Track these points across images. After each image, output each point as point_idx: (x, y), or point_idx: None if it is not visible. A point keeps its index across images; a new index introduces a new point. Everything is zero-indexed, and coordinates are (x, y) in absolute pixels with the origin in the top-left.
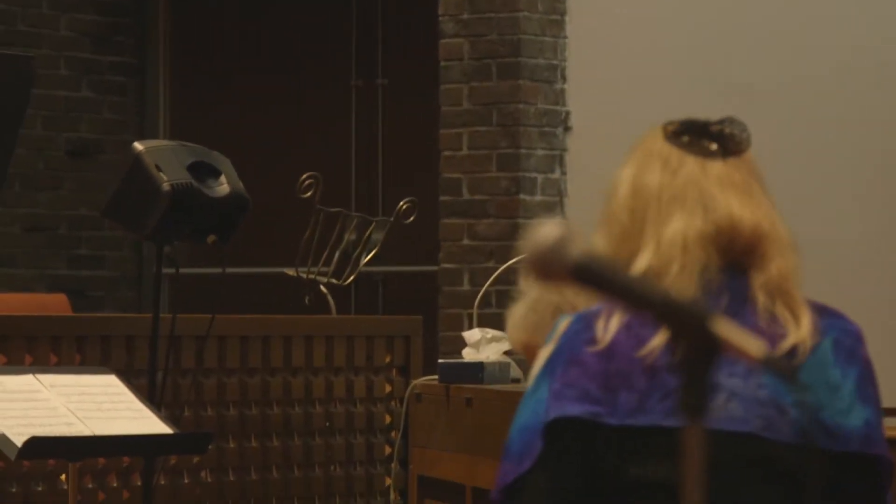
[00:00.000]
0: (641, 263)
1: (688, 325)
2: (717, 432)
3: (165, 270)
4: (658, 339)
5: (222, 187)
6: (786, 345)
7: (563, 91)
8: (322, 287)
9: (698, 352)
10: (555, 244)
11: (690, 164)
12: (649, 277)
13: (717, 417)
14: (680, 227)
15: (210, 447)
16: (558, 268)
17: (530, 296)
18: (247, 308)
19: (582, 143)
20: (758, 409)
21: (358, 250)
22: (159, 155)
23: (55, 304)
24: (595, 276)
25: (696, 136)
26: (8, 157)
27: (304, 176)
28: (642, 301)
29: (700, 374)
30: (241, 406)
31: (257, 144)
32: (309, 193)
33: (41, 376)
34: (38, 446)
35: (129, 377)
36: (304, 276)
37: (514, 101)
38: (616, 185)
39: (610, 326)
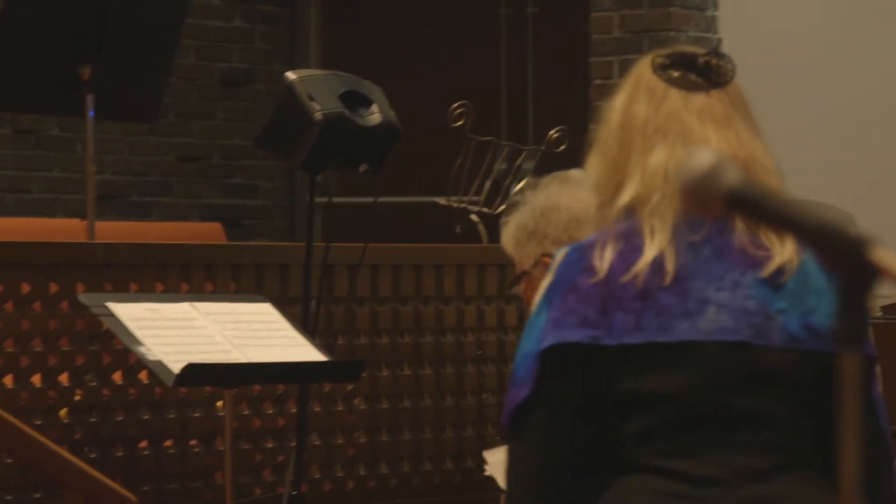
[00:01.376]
0: (628, 193)
1: (844, 252)
2: (710, 344)
3: (318, 199)
4: (642, 263)
5: (374, 116)
6: (772, 265)
7: (714, 18)
8: (473, 216)
9: (854, 278)
10: (709, 171)
11: (674, 97)
12: (634, 206)
13: (708, 330)
14: (662, 158)
15: (363, 375)
16: (713, 195)
17: (523, 208)
18: (398, 237)
19: None
20: (747, 318)
21: (508, 179)
22: (311, 84)
23: (210, 232)
24: (750, 203)
25: (682, 68)
26: (162, 87)
27: (455, 105)
28: (798, 228)
29: (857, 301)
30: (394, 334)
31: (408, 73)
32: (460, 122)
33: (197, 304)
34: (195, 373)
35: (283, 305)
36: (455, 205)
37: (665, 28)
38: (609, 113)
39: (605, 255)
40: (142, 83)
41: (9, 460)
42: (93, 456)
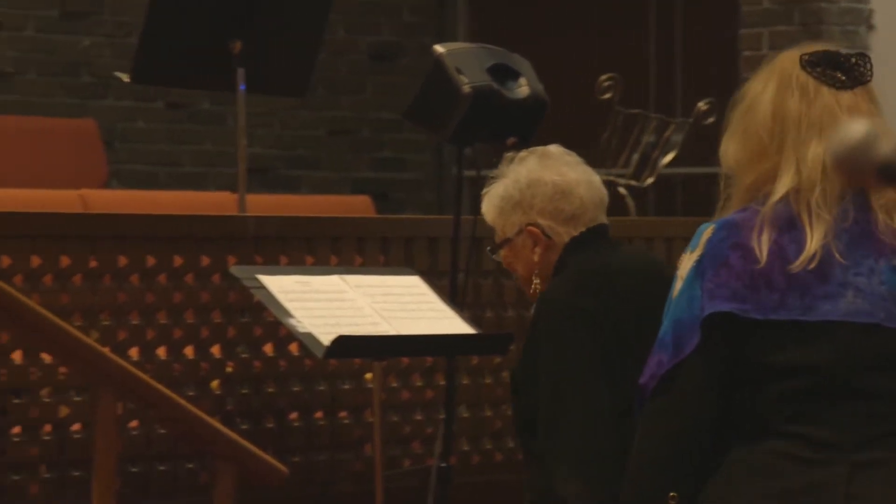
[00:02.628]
0: (784, 182)
1: None
2: (847, 324)
3: (466, 173)
4: (806, 253)
5: (522, 89)
6: None
7: None
8: (621, 189)
9: None
10: (864, 140)
11: (825, 94)
12: (789, 195)
13: (846, 311)
14: (819, 152)
15: (511, 348)
16: (865, 166)
17: (505, 180)
18: None
19: (885, 42)
20: (881, 302)
21: (657, 152)
22: (460, 57)
23: (359, 205)
24: None
25: (828, 66)
26: (312, 61)
27: (603, 77)
28: None
29: None
30: None
31: (556, 45)
32: (608, 95)
33: (347, 277)
34: (345, 345)
35: (432, 278)
36: (603, 177)
37: None
38: (754, 101)
39: (763, 239)
40: (292, 57)
41: (162, 431)
42: (244, 427)
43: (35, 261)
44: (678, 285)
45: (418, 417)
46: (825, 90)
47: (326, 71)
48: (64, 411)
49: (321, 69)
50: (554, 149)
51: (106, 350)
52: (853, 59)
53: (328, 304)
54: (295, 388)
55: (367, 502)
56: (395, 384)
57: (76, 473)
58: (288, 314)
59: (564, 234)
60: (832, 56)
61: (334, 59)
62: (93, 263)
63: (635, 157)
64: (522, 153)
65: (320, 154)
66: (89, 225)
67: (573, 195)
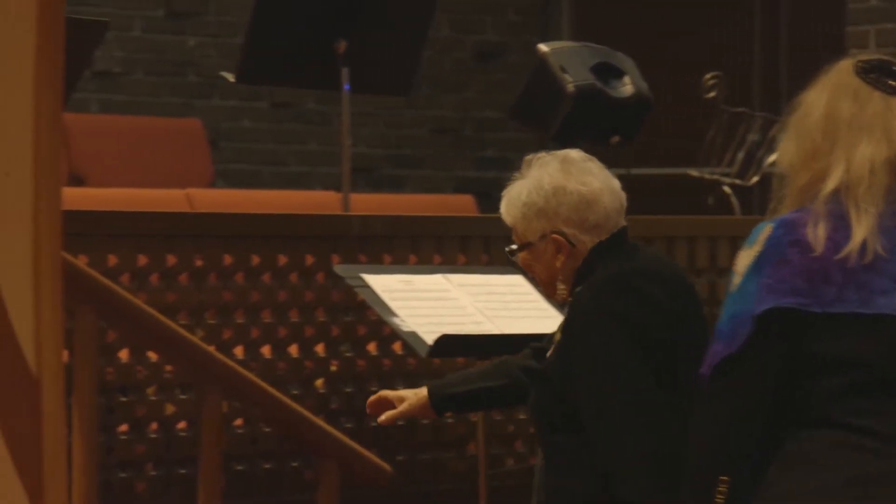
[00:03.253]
0: (834, 179)
1: None
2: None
3: None
4: (852, 244)
5: (626, 88)
6: None
7: None
8: (725, 188)
9: None
10: None
11: (877, 100)
12: (839, 191)
13: None
14: (868, 152)
15: None
16: None
17: (527, 184)
18: (650, 209)
19: None
20: None
21: (762, 150)
22: (564, 56)
23: (462, 204)
24: None
25: (882, 73)
26: (416, 60)
27: (708, 76)
28: None
29: None
30: None
31: (660, 44)
32: (712, 93)
33: (450, 276)
34: (449, 344)
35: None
36: (708, 176)
37: None
38: (809, 105)
39: (819, 233)
40: (396, 56)
41: (267, 429)
42: (348, 426)
43: (142, 260)
44: (736, 280)
45: (521, 417)
46: (877, 95)
47: (430, 70)
48: (170, 409)
49: (425, 68)
50: (575, 154)
51: (211, 349)
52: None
53: (432, 303)
54: (398, 387)
55: (469, 502)
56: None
57: (182, 471)
58: (392, 313)
59: (588, 241)
60: (886, 64)
61: (439, 57)
62: (198, 262)
63: (740, 155)
64: (543, 156)
65: (424, 153)
66: (195, 224)
67: (598, 205)
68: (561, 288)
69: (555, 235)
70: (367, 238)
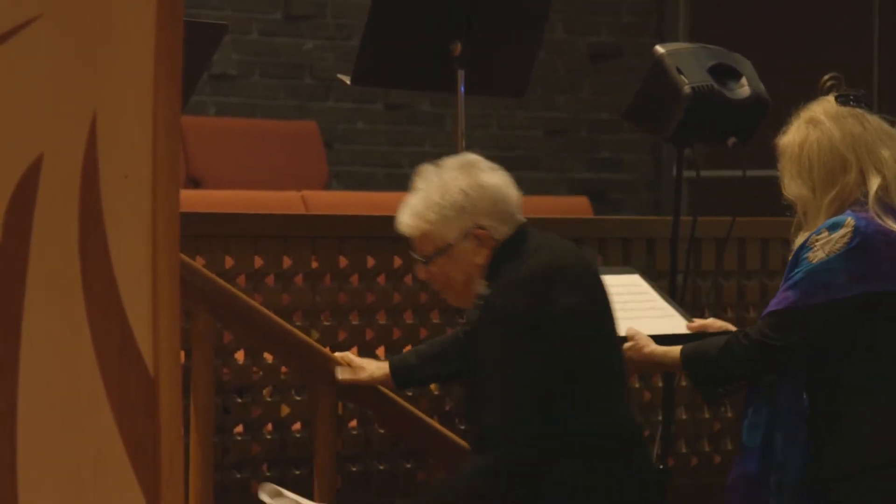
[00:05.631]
0: (874, 182)
1: None
2: None
3: (685, 173)
4: None
5: (743, 89)
6: None
7: None
8: None
9: None
10: None
11: (871, 118)
12: (880, 191)
13: None
14: (887, 155)
15: None
16: None
17: (435, 188)
18: (767, 210)
19: None
20: None
21: None
22: (680, 57)
23: (577, 206)
24: None
25: (855, 100)
26: (531, 61)
27: (826, 77)
28: None
29: None
30: (761, 309)
31: (777, 44)
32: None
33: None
34: None
35: (650, 279)
36: None
37: None
38: (803, 143)
39: (891, 224)
40: (511, 58)
41: (381, 430)
42: (462, 427)
43: (258, 261)
44: (818, 255)
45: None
46: (868, 115)
47: (544, 71)
48: (285, 410)
49: (539, 69)
50: (472, 156)
51: (326, 350)
52: (860, 93)
53: None
54: None
55: None
56: (636, 385)
57: (297, 472)
58: None
59: (506, 232)
60: (855, 94)
61: (553, 59)
62: (314, 264)
63: None
64: (430, 167)
65: (538, 155)
66: (311, 226)
67: (509, 196)
68: (482, 284)
69: (478, 231)
70: None
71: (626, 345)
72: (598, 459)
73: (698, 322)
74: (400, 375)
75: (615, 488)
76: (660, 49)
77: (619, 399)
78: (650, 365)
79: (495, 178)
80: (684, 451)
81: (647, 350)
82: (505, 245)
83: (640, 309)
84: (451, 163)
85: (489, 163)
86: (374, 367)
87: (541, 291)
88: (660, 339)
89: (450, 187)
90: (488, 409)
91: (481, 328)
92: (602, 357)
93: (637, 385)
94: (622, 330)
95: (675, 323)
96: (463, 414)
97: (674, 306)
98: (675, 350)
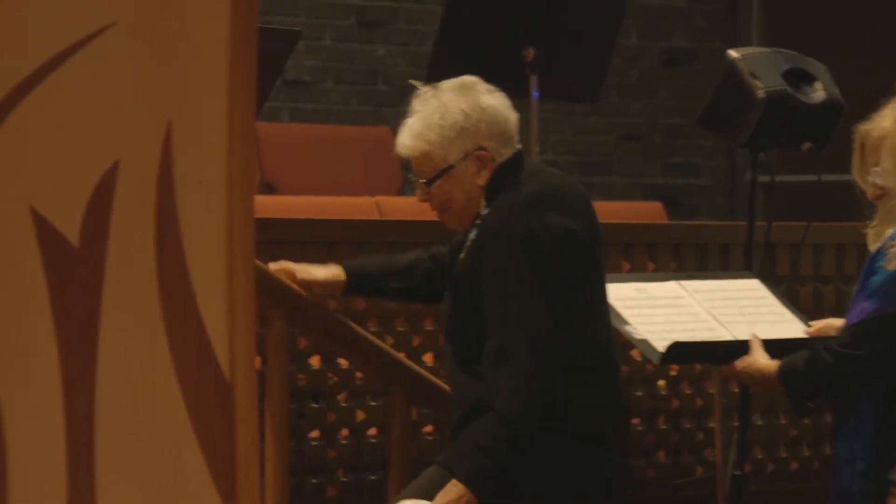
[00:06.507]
0: None
1: None
2: None
3: (760, 178)
4: None
5: (818, 94)
6: None
7: None
8: None
9: None
10: None
11: None
12: None
13: None
14: None
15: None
16: None
17: (435, 111)
18: (843, 215)
19: None
20: None
21: None
22: (754, 62)
23: (651, 211)
24: None
25: None
26: (605, 67)
27: None
28: None
29: None
30: (838, 314)
31: (851, 48)
32: None
33: (684, 282)
34: (680, 351)
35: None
36: None
37: None
38: None
39: None
40: (585, 63)
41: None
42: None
43: None
44: (893, 262)
45: (711, 425)
46: None
47: (618, 76)
48: (360, 416)
49: (613, 74)
50: (469, 78)
51: (401, 355)
52: None
53: (664, 311)
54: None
55: None
56: (688, 391)
57: (372, 477)
58: (624, 321)
59: (506, 154)
60: None
61: (626, 64)
62: None
63: None
64: (428, 89)
65: (611, 160)
66: (385, 231)
67: (508, 117)
68: (483, 205)
69: (479, 152)
70: None
71: (739, 360)
72: (577, 384)
73: (816, 325)
74: (355, 280)
75: (589, 412)
76: (733, 54)
77: (603, 328)
78: (758, 383)
79: (495, 100)
80: (760, 456)
81: (752, 368)
82: (504, 167)
83: (758, 314)
84: (449, 84)
85: (487, 84)
86: (321, 272)
87: (542, 213)
88: (778, 344)
89: (450, 108)
90: (508, 327)
91: (485, 249)
92: (593, 283)
93: (712, 390)
94: (741, 334)
95: (793, 327)
96: (442, 329)
97: (793, 311)
98: (774, 366)
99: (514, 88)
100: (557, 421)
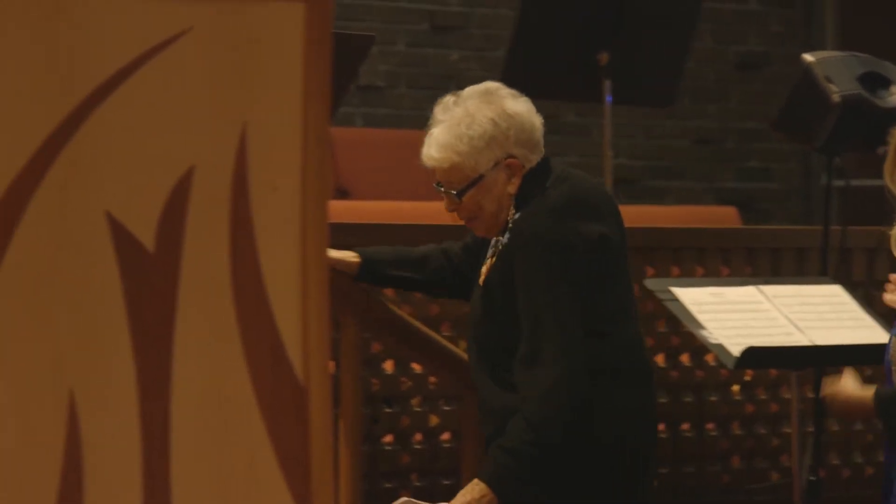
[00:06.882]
0: None
1: None
2: None
3: (835, 182)
4: None
5: (893, 97)
6: None
7: None
8: None
9: None
10: None
11: None
12: None
13: None
14: None
15: None
16: None
17: (460, 120)
18: None
19: None
20: None
21: None
22: (829, 66)
23: (724, 216)
24: None
25: None
26: (679, 71)
27: None
28: None
29: None
30: None
31: None
32: None
33: (763, 287)
34: (755, 356)
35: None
36: None
37: None
38: None
39: None
40: (659, 68)
41: None
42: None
43: None
44: None
45: (787, 430)
46: None
47: (692, 80)
48: (434, 420)
49: (687, 78)
50: (491, 84)
51: None
52: None
53: (741, 315)
54: (662, 400)
55: None
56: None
57: (446, 482)
58: (699, 325)
59: (534, 160)
60: None
61: (700, 68)
62: None
63: None
64: (450, 98)
65: (685, 164)
66: (458, 235)
67: (535, 123)
68: (511, 213)
69: (509, 160)
70: (629, 250)
71: (827, 388)
72: (609, 388)
73: None
74: (368, 265)
75: (626, 419)
76: (808, 58)
77: (635, 333)
78: (850, 413)
79: (520, 106)
80: (836, 462)
81: (842, 396)
82: (533, 173)
83: (839, 319)
84: (472, 92)
85: (509, 89)
86: (336, 253)
87: (574, 219)
88: (859, 350)
89: (476, 117)
90: (539, 333)
91: (517, 255)
92: (625, 287)
93: (787, 395)
94: (820, 340)
95: (875, 333)
96: (468, 334)
97: (874, 317)
98: (868, 396)
99: (587, 93)
100: (586, 425)
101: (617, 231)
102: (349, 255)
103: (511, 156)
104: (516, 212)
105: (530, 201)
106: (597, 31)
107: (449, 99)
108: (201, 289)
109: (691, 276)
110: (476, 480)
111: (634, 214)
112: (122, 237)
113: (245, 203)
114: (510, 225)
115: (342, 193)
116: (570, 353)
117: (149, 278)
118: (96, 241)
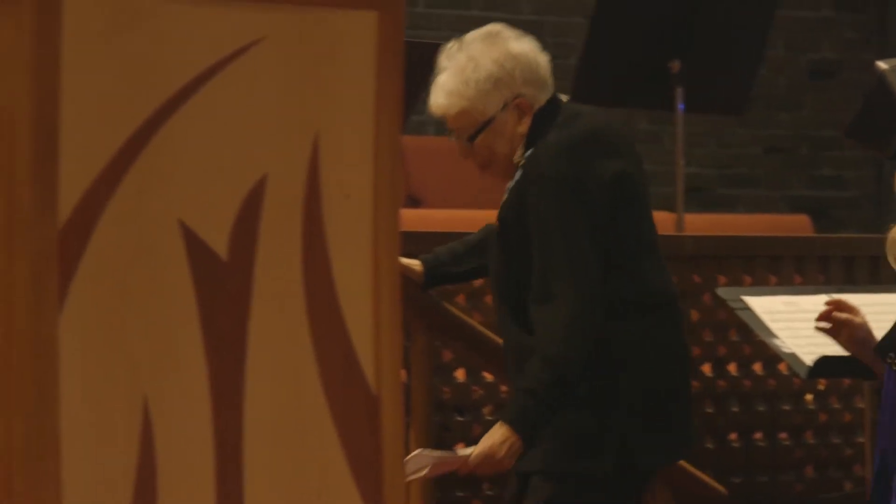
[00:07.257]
0: None
1: None
2: None
3: None
4: None
5: None
6: None
7: None
8: None
9: None
10: None
11: None
12: None
13: None
14: None
15: None
16: None
17: (464, 64)
18: None
19: None
20: None
21: None
22: None
23: (797, 224)
24: None
25: None
26: (752, 78)
27: None
28: None
29: None
30: None
31: None
32: None
33: (838, 296)
34: (829, 365)
35: None
36: None
37: None
38: None
39: None
40: (731, 75)
41: None
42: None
43: (477, 281)
44: None
45: (860, 440)
46: None
47: (764, 88)
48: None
49: (760, 86)
50: (493, 27)
51: None
52: None
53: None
54: (734, 409)
55: None
56: (836, 406)
57: None
58: (772, 334)
59: (542, 100)
60: None
61: (773, 75)
62: None
63: None
64: (452, 44)
65: (757, 172)
66: None
67: (541, 61)
68: (518, 154)
69: (518, 100)
70: (701, 258)
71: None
72: (635, 325)
73: None
74: (433, 272)
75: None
76: (882, 65)
77: (658, 266)
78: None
79: (524, 46)
80: None
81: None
82: (542, 112)
83: None
84: (475, 35)
85: (512, 30)
86: (404, 261)
87: (587, 156)
88: None
89: (481, 61)
90: (552, 270)
91: (528, 192)
92: (646, 222)
93: (861, 405)
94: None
95: None
96: (491, 285)
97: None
98: None
99: (659, 101)
100: (607, 359)
101: (633, 166)
102: (414, 264)
103: (519, 95)
104: (526, 151)
105: (542, 139)
106: (669, 38)
107: (452, 45)
108: (274, 297)
109: (764, 285)
110: (498, 424)
111: (706, 223)
112: (195, 245)
113: (317, 211)
114: (522, 161)
115: (414, 202)
116: (583, 290)
117: (222, 286)
118: (169, 249)
